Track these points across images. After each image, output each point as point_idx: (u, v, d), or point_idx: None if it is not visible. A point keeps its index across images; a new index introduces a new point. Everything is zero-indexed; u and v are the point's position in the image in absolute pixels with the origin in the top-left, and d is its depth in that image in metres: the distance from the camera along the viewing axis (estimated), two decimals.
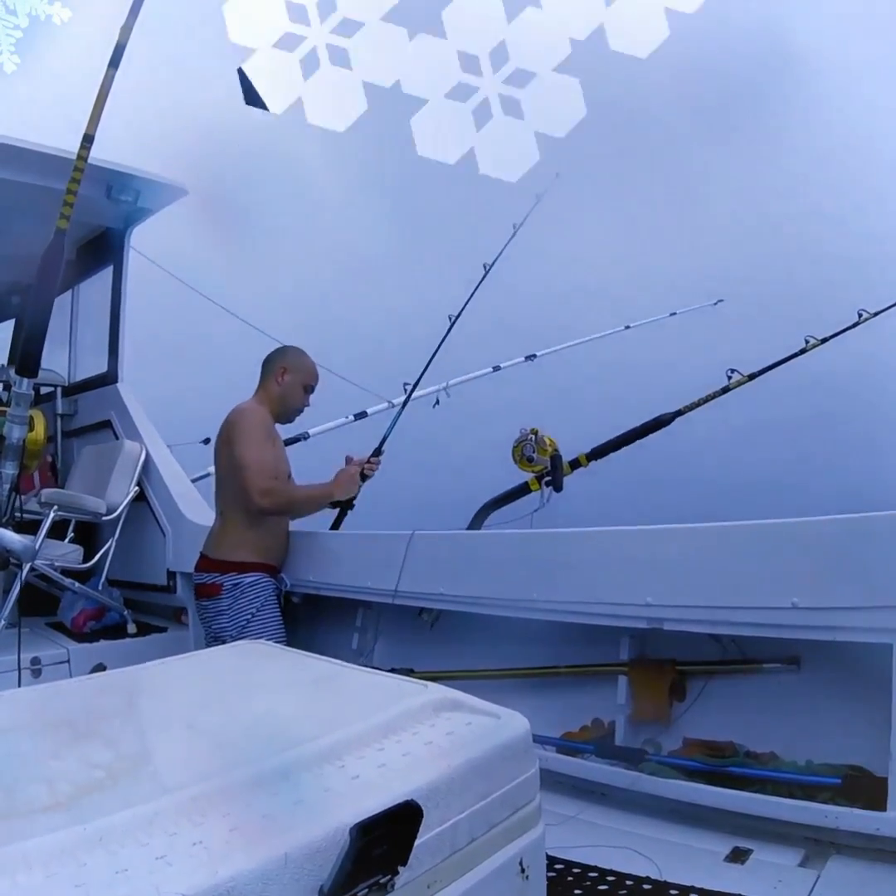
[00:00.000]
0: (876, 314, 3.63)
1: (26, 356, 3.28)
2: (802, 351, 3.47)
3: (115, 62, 3.38)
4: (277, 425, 3.87)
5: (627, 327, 6.88)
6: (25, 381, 3.25)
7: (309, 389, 3.89)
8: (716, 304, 7.25)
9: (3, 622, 3.59)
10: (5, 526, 3.09)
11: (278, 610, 3.63)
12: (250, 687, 1.61)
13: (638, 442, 3.40)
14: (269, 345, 4.22)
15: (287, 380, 3.80)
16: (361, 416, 5.35)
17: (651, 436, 3.35)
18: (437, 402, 5.27)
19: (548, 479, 3.06)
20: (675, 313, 7.06)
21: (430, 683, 1.50)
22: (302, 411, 3.93)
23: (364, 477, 3.94)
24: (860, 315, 3.62)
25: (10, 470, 3.26)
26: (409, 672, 3.26)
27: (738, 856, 2.12)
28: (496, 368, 5.97)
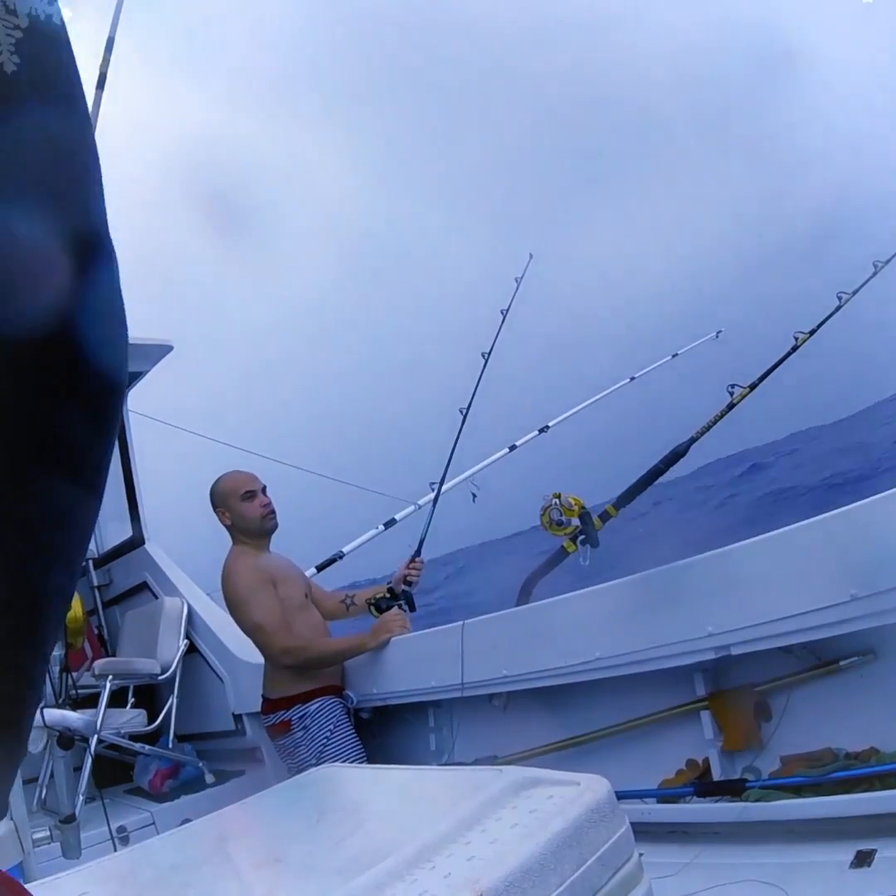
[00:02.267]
0: (854, 293, 3.63)
1: None
2: (794, 348, 3.46)
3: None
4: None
5: (632, 379, 6.86)
6: None
7: (249, 496, 3.77)
8: (716, 335, 7.21)
9: (82, 797, 3.58)
10: (62, 705, 3.09)
11: (351, 728, 3.59)
12: (329, 811, 1.59)
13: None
14: (280, 470, 4.28)
15: (229, 513, 3.78)
16: (391, 523, 5.32)
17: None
18: (475, 497, 5.25)
19: (582, 537, 3.03)
20: (676, 354, 7.03)
21: (504, 767, 1.48)
22: (269, 516, 3.79)
23: (409, 583, 3.93)
24: (840, 298, 3.62)
25: (57, 651, 3.28)
26: (492, 760, 3.21)
27: (863, 859, 2.05)
28: (512, 448, 5.97)
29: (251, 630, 3.70)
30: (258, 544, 3.79)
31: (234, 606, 3.71)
